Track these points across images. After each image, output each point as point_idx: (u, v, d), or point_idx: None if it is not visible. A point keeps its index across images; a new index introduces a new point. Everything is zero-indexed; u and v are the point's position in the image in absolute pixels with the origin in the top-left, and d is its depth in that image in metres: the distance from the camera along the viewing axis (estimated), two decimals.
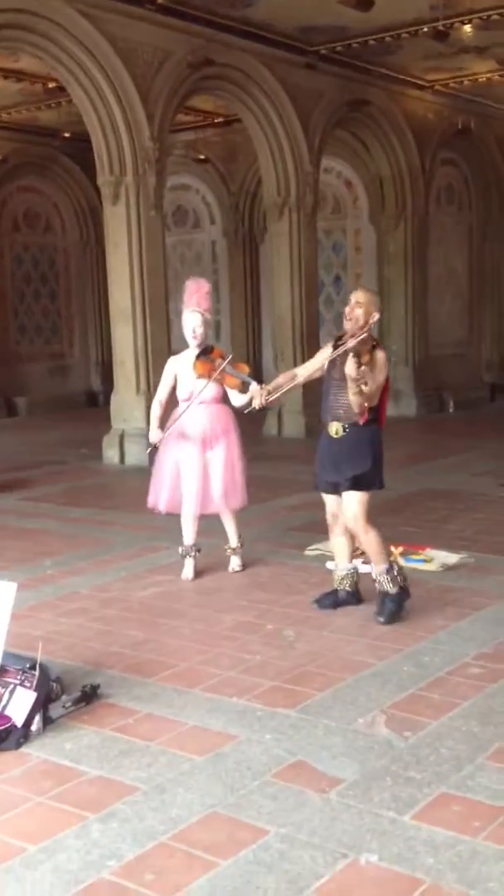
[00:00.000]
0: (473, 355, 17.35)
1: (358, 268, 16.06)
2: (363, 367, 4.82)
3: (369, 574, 5.61)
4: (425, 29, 11.39)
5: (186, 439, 6.03)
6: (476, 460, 10.52)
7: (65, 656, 4.69)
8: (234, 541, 6.27)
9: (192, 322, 6.02)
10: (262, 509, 7.85)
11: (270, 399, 5.46)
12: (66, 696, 4.09)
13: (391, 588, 5.13)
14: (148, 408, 10.83)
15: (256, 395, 5.54)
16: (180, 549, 6.21)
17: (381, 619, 5.09)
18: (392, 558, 6.28)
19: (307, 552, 6.61)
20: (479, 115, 15.66)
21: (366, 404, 5.00)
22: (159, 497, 6.18)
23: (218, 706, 4.07)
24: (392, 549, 6.40)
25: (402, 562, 6.25)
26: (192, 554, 6.19)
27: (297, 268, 13.09)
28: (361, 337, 4.92)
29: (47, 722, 3.89)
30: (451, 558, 6.33)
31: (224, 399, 6.08)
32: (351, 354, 4.83)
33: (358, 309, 5.08)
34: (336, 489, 5.24)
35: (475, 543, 6.82)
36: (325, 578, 5.78)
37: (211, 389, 5.97)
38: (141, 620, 5.32)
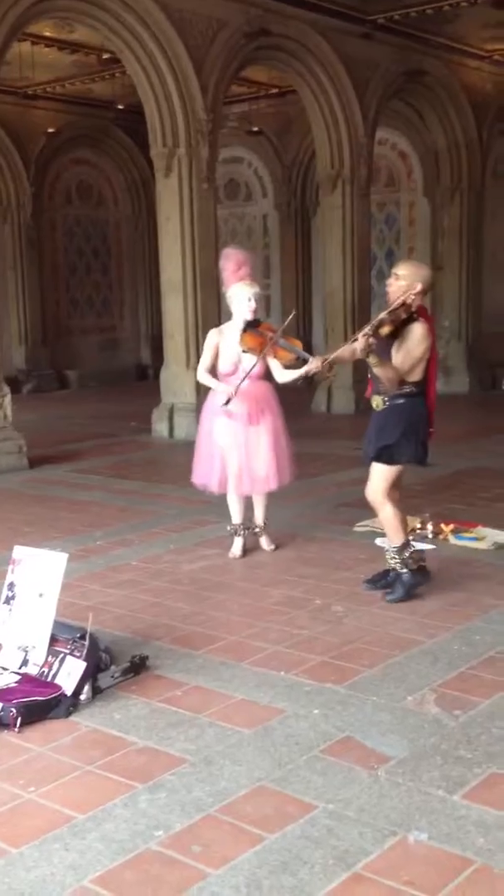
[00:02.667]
0: None
1: (411, 242, 15.85)
2: (371, 340, 4.69)
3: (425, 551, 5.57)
4: None
5: (230, 416, 5.87)
6: None
7: (113, 627, 4.71)
8: (260, 519, 6.12)
9: (247, 292, 5.81)
10: (310, 485, 7.81)
11: (330, 372, 5.29)
12: (114, 666, 4.11)
13: (400, 568, 5.06)
14: (198, 381, 10.95)
15: (313, 363, 5.35)
16: (229, 528, 6.14)
17: (388, 599, 5.04)
18: (442, 536, 6.25)
19: (356, 528, 6.56)
20: None
21: (392, 378, 4.86)
22: (210, 477, 6.05)
23: (266, 680, 4.06)
24: (443, 525, 6.35)
25: (453, 539, 6.20)
26: (241, 532, 6.08)
27: (349, 241, 12.94)
28: (391, 308, 4.80)
29: (96, 691, 3.91)
30: (503, 536, 6.24)
31: (267, 375, 5.91)
32: (369, 326, 4.74)
33: (398, 282, 4.93)
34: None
35: None
36: (375, 555, 5.73)
37: (257, 365, 5.79)
38: (189, 593, 5.33)
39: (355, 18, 12.03)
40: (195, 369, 10.80)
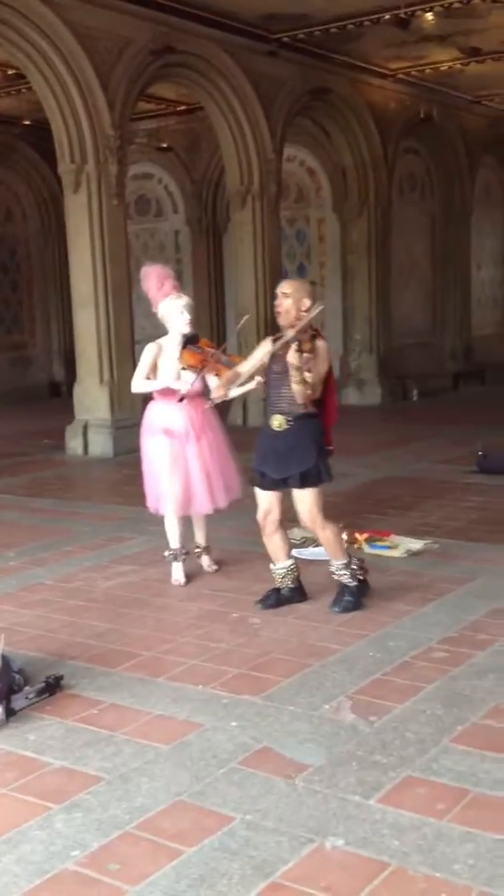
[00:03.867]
0: (437, 344, 17.46)
1: (321, 257, 16.06)
2: (306, 355, 4.69)
3: (312, 563, 5.62)
4: (387, 17, 11.39)
5: (171, 436, 5.65)
6: (440, 448, 10.57)
7: (28, 647, 4.64)
8: (202, 539, 5.98)
9: (179, 306, 5.63)
10: None
11: (225, 394, 5.25)
12: (28, 687, 4.04)
13: (350, 582, 5.10)
14: (112, 396, 10.89)
15: (217, 393, 5.28)
16: (166, 553, 5.83)
17: (336, 610, 5.06)
18: (357, 545, 6.32)
19: None
20: (441, 104, 15.70)
21: (308, 394, 4.86)
22: (158, 499, 5.81)
23: (183, 695, 4.05)
24: (357, 535, 6.43)
25: (367, 548, 6.28)
26: (181, 557, 5.80)
27: (260, 257, 13.07)
28: (300, 326, 4.80)
29: (10, 714, 3.85)
30: (416, 544, 6.35)
31: (205, 391, 5.65)
32: (293, 344, 4.71)
33: (286, 300, 4.95)
34: (277, 486, 5.11)
35: (439, 529, 6.85)
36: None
37: (195, 382, 5.52)
38: (105, 611, 5.28)
39: (260, 37, 12.19)
40: (109, 385, 10.96)
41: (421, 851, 2.83)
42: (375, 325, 15.25)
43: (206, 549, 6.04)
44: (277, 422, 5.03)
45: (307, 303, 4.96)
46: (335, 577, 5.15)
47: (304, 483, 5.00)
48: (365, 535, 6.43)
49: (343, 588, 5.13)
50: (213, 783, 3.28)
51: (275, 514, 5.19)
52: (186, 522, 5.91)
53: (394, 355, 15.52)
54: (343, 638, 4.68)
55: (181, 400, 5.55)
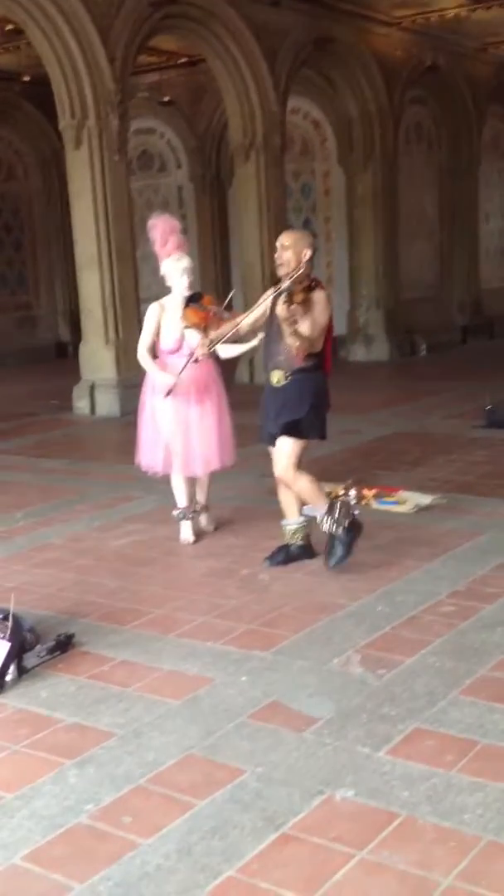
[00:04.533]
0: (445, 298, 17.30)
1: (327, 211, 15.90)
2: (294, 306, 4.62)
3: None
4: None
5: (174, 394, 5.52)
6: (448, 403, 10.53)
7: (39, 606, 4.67)
8: (203, 497, 5.90)
9: (179, 268, 5.54)
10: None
11: (210, 349, 5.15)
12: (40, 645, 4.09)
13: (335, 529, 4.96)
14: (118, 356, 10.87)
15: (199, 350, 5.19)
16: (175, 513, 5.79)
17: (330, 564, 4.98)
18: (365, 501, 6.33)
19: None
20: (447, 53, 15.42)
21: (304, 347, 4.78)
22: (156, 459, 5.71)
23: (193, 651, 4.08)
24: (366, 491, 6.44)
25: (375, 504, 6.29)
26: (189, 516, 5.78)
27: (265, 211, 12.92)
28: (295, 276, 4.73)
29: (22, 671, 3.89)
30: (425, 499, 6.35)
31: (212, 353, 5.44)
32: (282, 295, 4.66)
33: (286, 252, 4.89)
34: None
35: (448, 484, 6.85)
36: None
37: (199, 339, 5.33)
38: (115, 569, 5.31)
39: None
40: (115, 344, 10.92)
41: (430, 802, 2.86)
42: (382, 279, 15.10)
43: (206, 508, 5.95)
44: (276, 377, 4.99)
45: (308, 253, 4.89)
46: (322, 528, 5.01)
47: (286, 431, 4.95)
48: (374, 491, 6.44)
49: (333, 538, 4.99)
50: (224, 737, 3.32)
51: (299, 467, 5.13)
52: (193, 481, 5.89)
53: (401, 310, 15.39)
54: (351, 593, 4.70)
55: (168, 394, 5.46)
